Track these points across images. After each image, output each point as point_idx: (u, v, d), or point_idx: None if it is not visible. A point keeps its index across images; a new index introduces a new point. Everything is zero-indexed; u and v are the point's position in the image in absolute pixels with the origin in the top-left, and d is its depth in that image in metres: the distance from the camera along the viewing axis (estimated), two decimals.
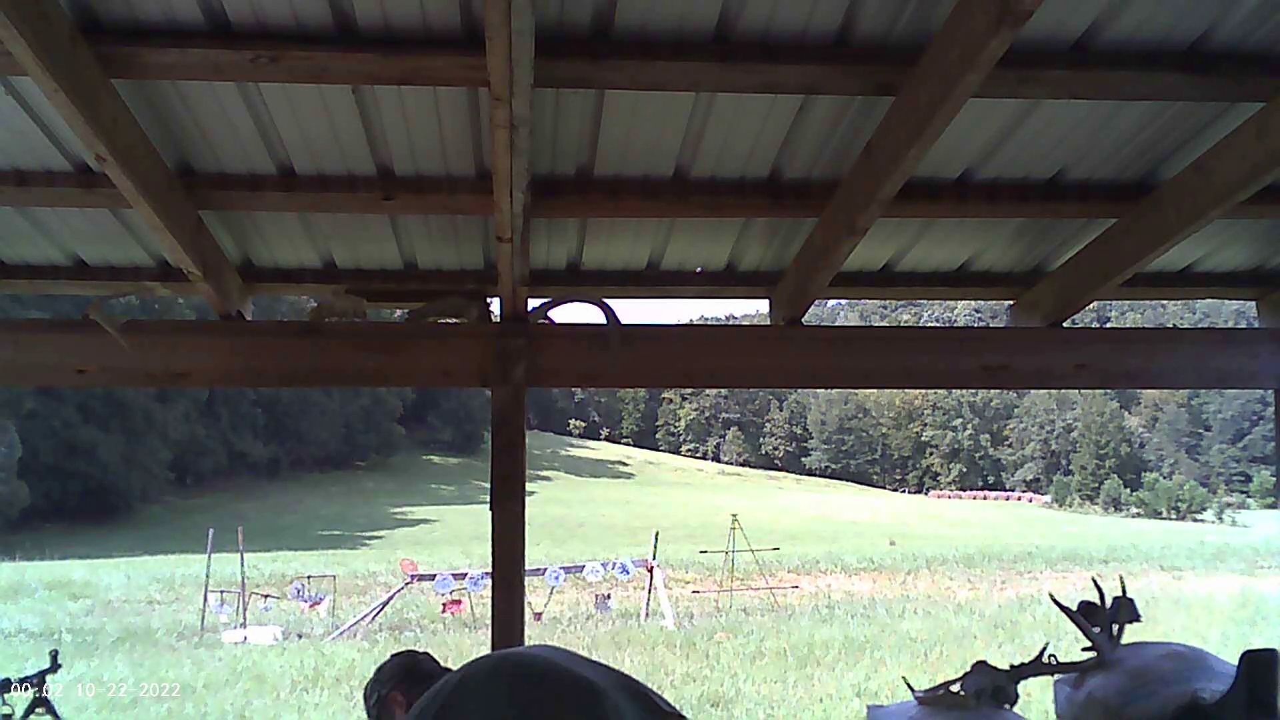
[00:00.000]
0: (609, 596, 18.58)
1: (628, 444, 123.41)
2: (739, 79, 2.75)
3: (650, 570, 18.49)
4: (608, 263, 4.05)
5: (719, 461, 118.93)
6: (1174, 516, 73.72)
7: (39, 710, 5.52)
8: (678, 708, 2.17)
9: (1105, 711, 3.27)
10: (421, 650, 2.68)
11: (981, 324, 73.93)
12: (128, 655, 14.20)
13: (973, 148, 3.29)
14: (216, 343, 3.75)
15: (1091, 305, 4.20)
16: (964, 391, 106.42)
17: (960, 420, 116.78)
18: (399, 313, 4.23)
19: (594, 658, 2.34)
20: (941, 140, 2.77)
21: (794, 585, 22.18)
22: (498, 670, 2.11)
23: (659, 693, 2.20)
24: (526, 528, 3.69)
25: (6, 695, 4.99)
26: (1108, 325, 57.82)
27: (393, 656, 2.63)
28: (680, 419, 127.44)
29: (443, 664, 2.59)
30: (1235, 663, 3.06)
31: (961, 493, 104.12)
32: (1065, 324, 4.16)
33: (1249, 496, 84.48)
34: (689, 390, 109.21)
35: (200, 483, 65.56)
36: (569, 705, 2.01)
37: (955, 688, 3.44)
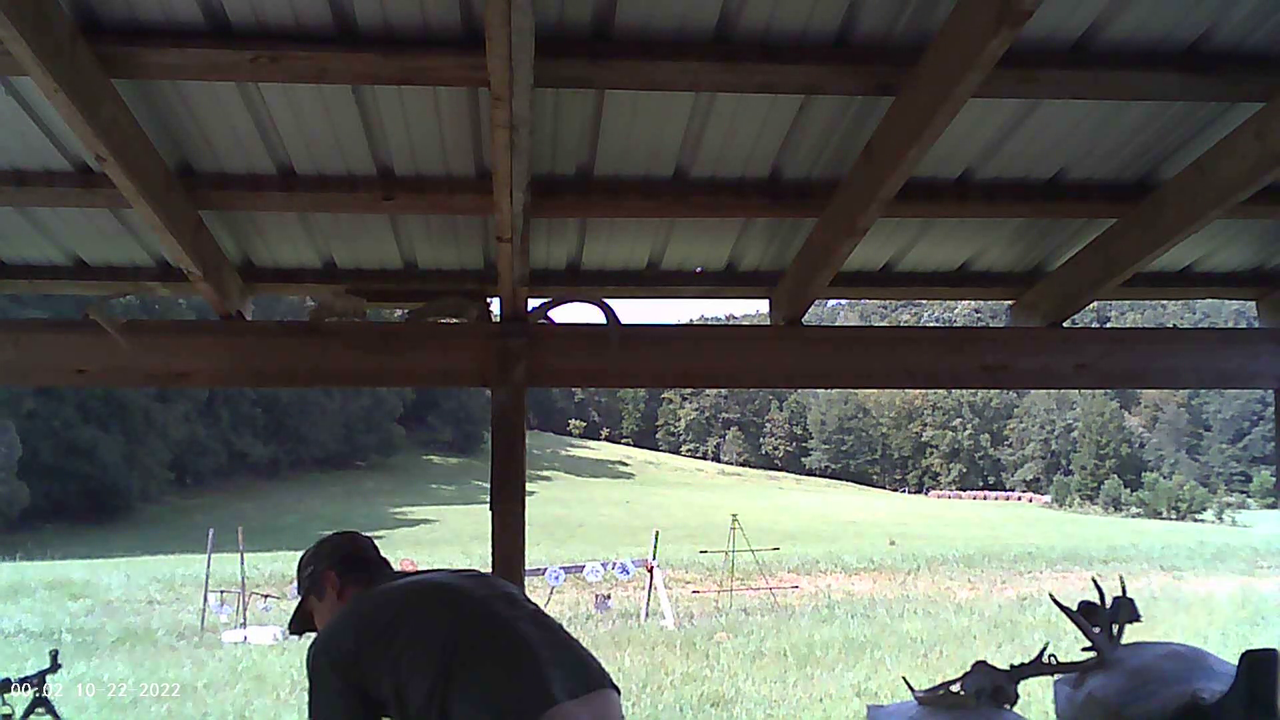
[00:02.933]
0: (609, 596, 18.57)
1: (628, 444, 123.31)
2: (739, 79, 2.75)
3: (650, 570, 18.46)
4: (608, 263, 4.05)
5: (719, 461, 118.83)
6: (1174, 516, 73.63)
7: (39, 710, 5.51)
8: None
9: (1105, 711, 3.27)
10: (365, 535, 2.75)
11: (981, 324, 73.96)
12: (128, 655, 14.18)
13: (973, 148, 3.29)
14: (216, 343, 3.75)
15: (1091, 305, 4.20)
16: (964, 391, 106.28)
17: (960, 420, 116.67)
18: (399, 313, 4.23)
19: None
20: (941, 140, 2.77)
21: (794, 585, 22.15)
22: (440, 605, 2.36)
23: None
24: (526, 528, 3.70)
25: (6, 695, 4.98)
26: (1108, 325, 57.84)
27: (335, 535, 2.71)
28: (680, 419, 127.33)
29: (380, 552, 2.68)
30: (1235, 663, 3.07)
31: (961, 493, 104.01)
32: (1065, 324, 4.16)
33: (1249, 496, 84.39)
34: (689, 390, 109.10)
35: (200, 483, 65.49)
36: (504, 672, 2.20)
37: (955, 688, 3.44)
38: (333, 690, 2.28)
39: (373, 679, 2.26)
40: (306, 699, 2.33)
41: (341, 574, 2.56)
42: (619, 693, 2.36)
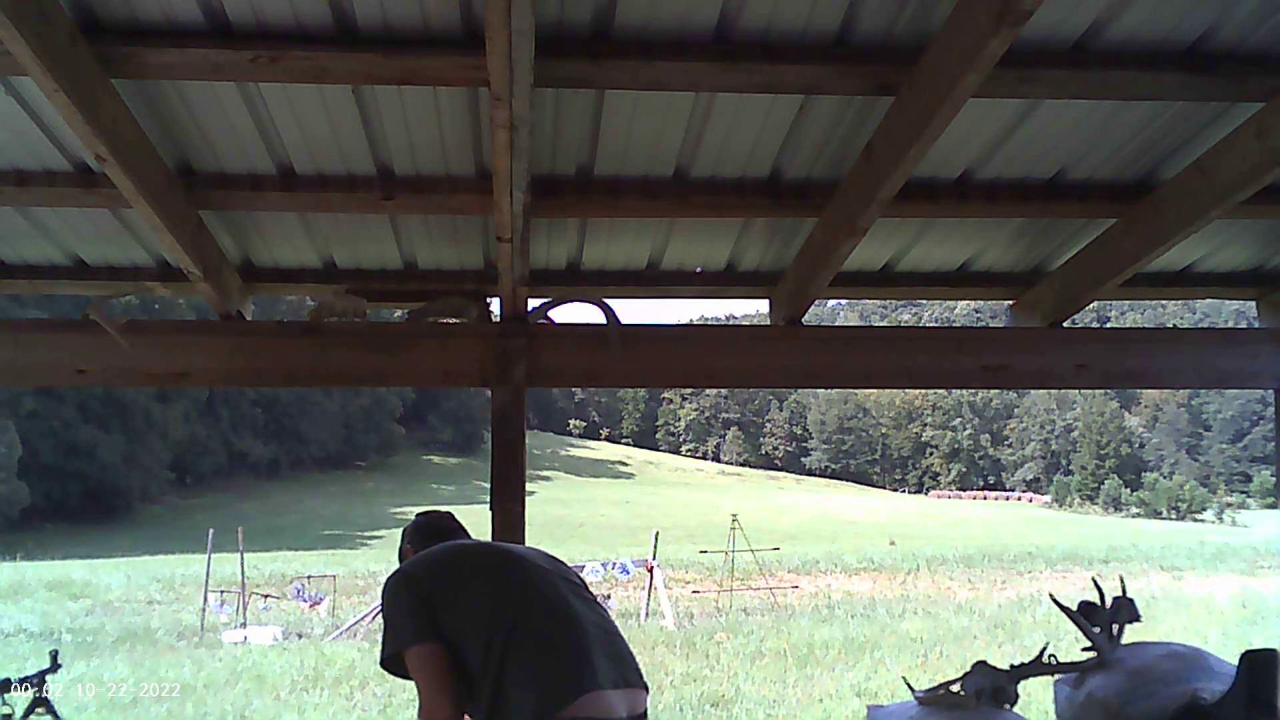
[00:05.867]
0: (609, 596, 18.56)
1: (628, 444, 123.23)
2: (739, 79, 2.75)
3: (650, 570, 18.46)
4: (608, 263, 4.05)
5: (719, 461, 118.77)
6: (1174, 516, 73.64)
7: (39, 710, 5.51)
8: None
9: (1105, 711, 3.27)
10: (445, 510, 2.92)
11: (981, 324, 73.92)
12: (128, 655, 14.16)
13: (973, 148, 3.28)
14: (216, 343, 3.76)
15: (1091, 305, 4.20)
16: (964, 391, 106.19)
17: (960, 420, 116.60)
18: (399, 313, 4.23)
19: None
20: (941, 140, 2.77)
21: (794, 585, 22.15)
22: (505, 574, 2.47)
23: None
24: (526, 528, 3.70)
25: (6, 695, 4.98)
26: (1108, 325, 57.82)
27: (417, 515, 2.89)
28: (680, 419, 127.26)
29: (457, 522, 2.86)
30: (1235, 663, 3.07)
31: (961, 493, 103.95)
32: (1065, 324, 4.16)
33: (1249, 496, 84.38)
34: (689, 390, 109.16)
35: (200, 483, 65.50)
36: (556, 651, 2.30)
37: (955, 688, 3.44)
38: (404, 605, 2.38)
39: (439, 609, 2.36)
40: (381, 638, 2.41)
41: (416, 546, 2.71)
42: (648, 694, 2.46)
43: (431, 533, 2.74)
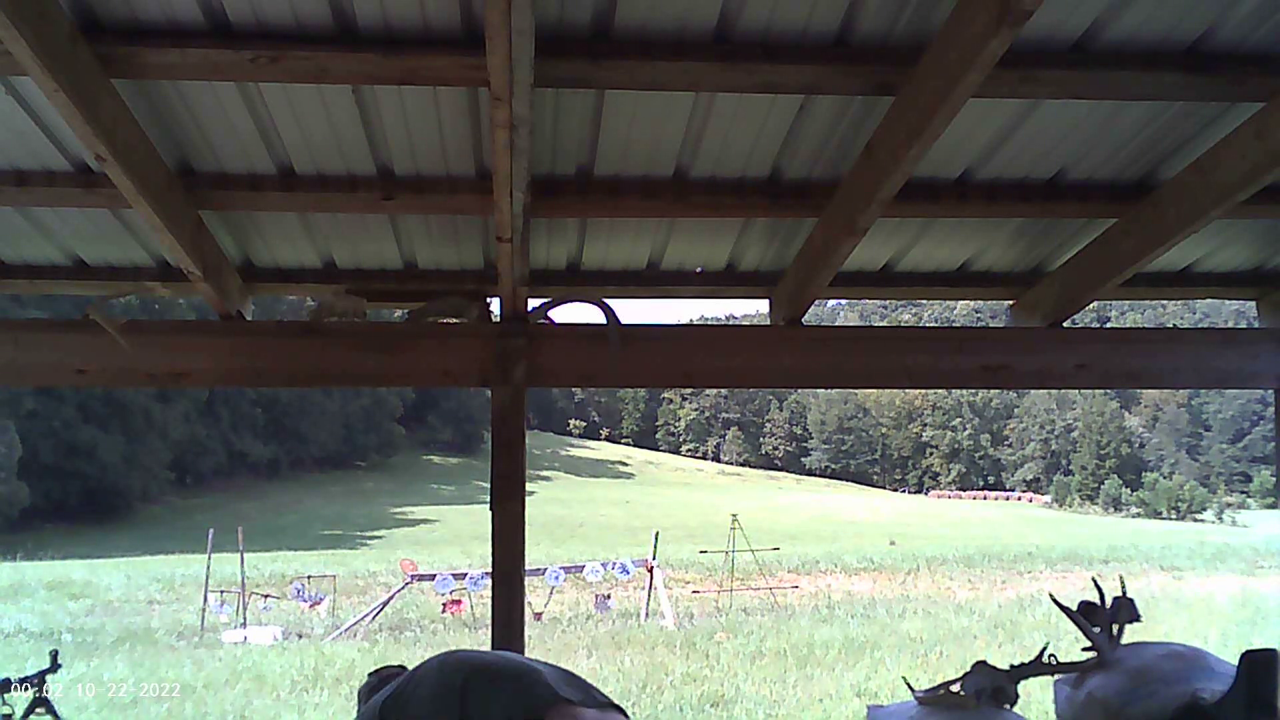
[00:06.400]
0: (609, 596, 18.55)
1: (628, 444, 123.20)
2: (739, 79, 2.75)
3: (650, 570, 18.45)
4: (608, 263, 4.06)
5: (719, 461, 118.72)
6: (1174, 516, 73.56)
7: (39, 710, 5.51)
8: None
9: (1105, 711, 3.27)
10: (396, 665, 2.93)
11: (981, 324, 73.86)
12: (128, 655, 14.16)
13: (973, 148, 3.29)
14: (216, 343, 3.76)
15: (1091, 305, 4.21)
16: (964, 391, 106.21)
17: (960, 420, 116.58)
18: (399, 313, 4.23)
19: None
20: (941, 140, 2.77)
21: (794, 585, 22.15)
22: (446, 661, 2.54)
23: (622, 697, 2.42)
24: (526, 528, 3.70)
25: (6, 695, 4.98)
26: (1108, 325, 57.79)
27: (370, 675, 2.91)
28: (680, 419, 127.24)
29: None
30: (1235, 663, 3.07)
31: (961, 493, 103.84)
32: (1065, 324, 4.16)
33: (1249, 496, 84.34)
34: (689, 390, 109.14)
35: (200, 483, 65.45)
36: (508, 681, 2.37)
37: (955, 688, 3.44)
38: None
39: None
40: None
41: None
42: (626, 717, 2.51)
43: (382, 687, 2.78)
